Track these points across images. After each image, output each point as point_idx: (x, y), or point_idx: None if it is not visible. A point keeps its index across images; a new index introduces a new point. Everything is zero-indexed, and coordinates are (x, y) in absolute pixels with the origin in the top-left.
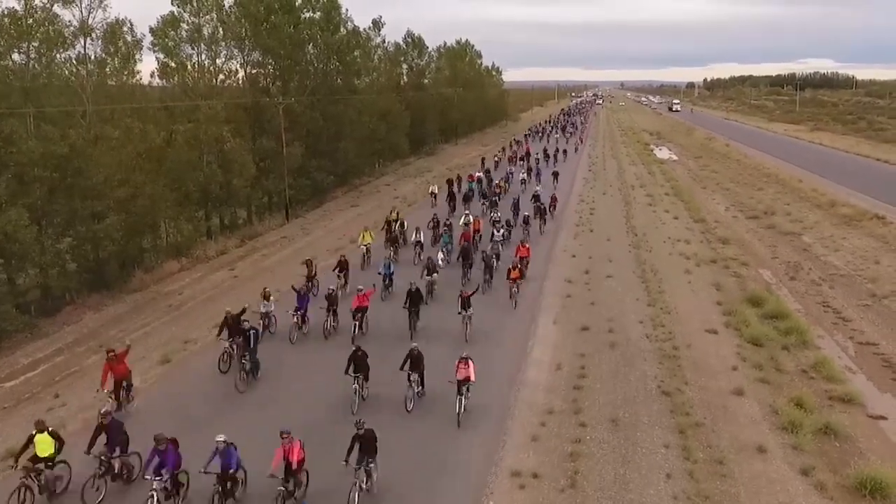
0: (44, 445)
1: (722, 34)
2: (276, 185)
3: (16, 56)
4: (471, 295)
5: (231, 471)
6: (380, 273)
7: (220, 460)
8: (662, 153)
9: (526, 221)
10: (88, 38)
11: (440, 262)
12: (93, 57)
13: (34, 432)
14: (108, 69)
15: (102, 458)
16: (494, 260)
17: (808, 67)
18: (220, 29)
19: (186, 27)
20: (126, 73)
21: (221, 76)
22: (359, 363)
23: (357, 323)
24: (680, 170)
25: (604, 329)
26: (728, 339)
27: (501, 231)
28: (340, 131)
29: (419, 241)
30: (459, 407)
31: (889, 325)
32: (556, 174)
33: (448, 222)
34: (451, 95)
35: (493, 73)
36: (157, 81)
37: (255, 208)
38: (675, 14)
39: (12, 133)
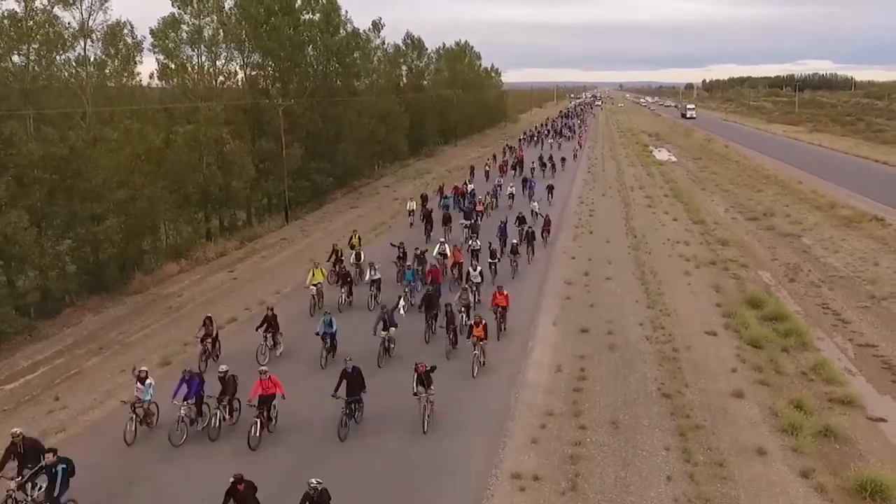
0: None
1: (721, 35)
2: (275, 186)
3: (16, 58)
4: (429, 371)
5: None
6: (317, 333)
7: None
8: (661, 154)
9: (514, 250)
10: (88, 40)
11: (401, 309)
12: (93, 59)
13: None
14: (107, 71)
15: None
16: (462, 314)
17: (807, 68)
18: (221, 31)
19: (187, 29)
20: (126, 74)
21: (221, 78)
22: None
23: (258, 421)
24: (679, 171)
25: (603, 331)
26: (728, 340)
27: (479, 269)
28: (340, 133)
29: (374, 280)
30: None
31: (889, 327)
32: (550, 188)
33: (421, 252)
34: (450, 97)
35: (493, 74)
36: (156, 83)
37: (255, 210)
38: (675, 15)
39: (12, 135)
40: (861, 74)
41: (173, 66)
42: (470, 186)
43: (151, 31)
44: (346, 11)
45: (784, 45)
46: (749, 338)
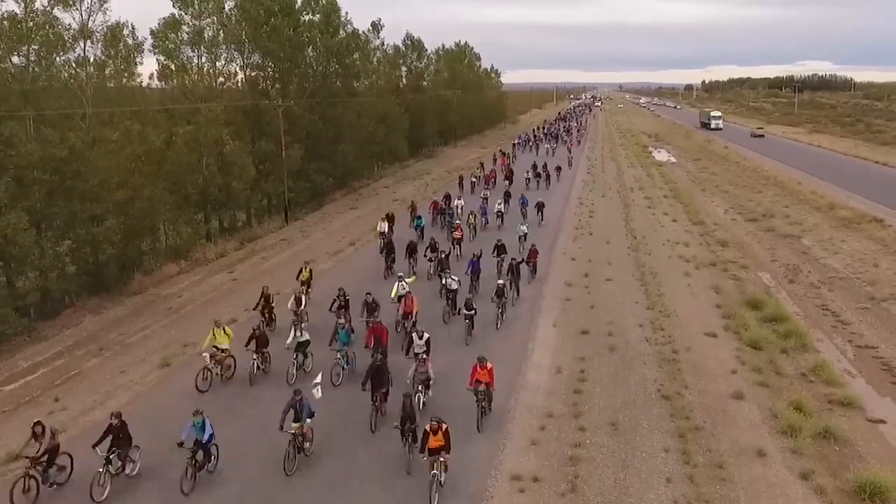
0: None
1: (720, 36)
2: (275, 187)
3: (15, 59)
4: None
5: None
6: (180, 444)
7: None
8: (661, 155)
9: (500, 293)
10: (88, 41)
11: (316, 391)
12: (93, 59)
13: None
14: (107, 72)
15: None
16: (420, 396)
17: (807, 69)
18: (221, 32)
19: (187, 30)
20: (126, 75)
21: (221, 79)
22: None
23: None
24: (679, 172)
25: (603, 332)
26: (727, 342)
27: (426, 337)
28: (340, 134)
29: (302, 343)
30: None
31: (888, 329)
32: (540, 206)
33: (373, 299)
34: (449, 98)
35: (492, 75)
36: (156, 83)
37: (255, 211)
38: (674, 16)
39: (12, 136)
40: (860, 75)
41: (173, 66)
42: (458, 202)
43: (152, 32)
44: (346, 12)
45: (783, 46)
46: (749, 339)
